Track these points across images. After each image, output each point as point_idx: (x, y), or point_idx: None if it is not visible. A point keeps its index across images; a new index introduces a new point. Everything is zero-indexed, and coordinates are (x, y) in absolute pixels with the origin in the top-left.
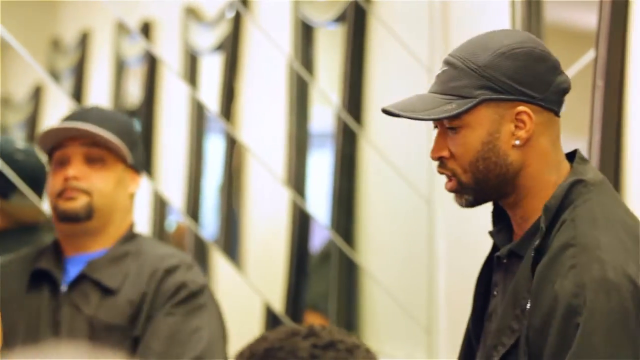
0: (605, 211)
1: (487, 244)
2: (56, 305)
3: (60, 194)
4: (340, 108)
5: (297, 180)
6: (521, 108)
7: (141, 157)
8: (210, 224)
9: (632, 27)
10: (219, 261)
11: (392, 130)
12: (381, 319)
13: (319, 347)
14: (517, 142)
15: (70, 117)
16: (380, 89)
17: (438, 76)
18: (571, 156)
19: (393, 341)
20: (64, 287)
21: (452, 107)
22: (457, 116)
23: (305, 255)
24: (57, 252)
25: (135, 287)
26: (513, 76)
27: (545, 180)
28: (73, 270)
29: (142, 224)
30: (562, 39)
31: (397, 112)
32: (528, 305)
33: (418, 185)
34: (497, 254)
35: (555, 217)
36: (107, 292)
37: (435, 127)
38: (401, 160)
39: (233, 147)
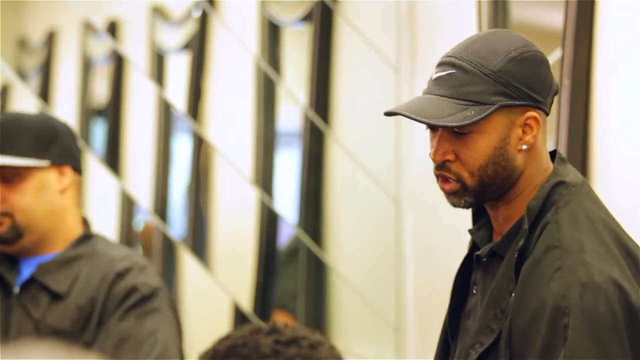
0: (587, 213)
1: (455, 243)
2: (8, 307)
3: None
4: (308, 107)
5: (264, 179)
6: (531, 113)
7: (65, 147)
8: (178, 223)
9: (598, 26)
10: (187, 260)
11: (360, 130)
12: (349, 318)
13: (282, 343)
14: (525, 147)
15: None
16: (348, 88)
17: (442, 79)
18: (551, 155)
19: (362, 340)
20: (16, 289)
21: (471, 113)
22: (461, 126)
23: (273, 254)
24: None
25: (85, 292)
26: (524, 81)
27: (536, 181)
28: (26, 273)
29: (110, 223)
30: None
31: (415, 116)
32: (509, 306)
33: (386, 185)
34: (477, 253)
35: (537, 218)
36: (55, 296)
37: (431, 128)
38: (369, 160)
39: (200, 146)
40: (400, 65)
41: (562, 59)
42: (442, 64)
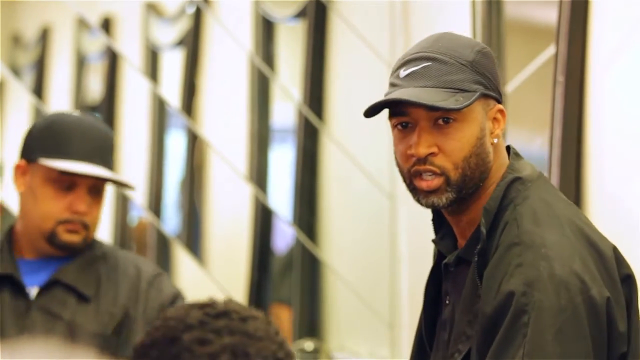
0: (546, 207)
1: None
2: (24, 310)
3: (63, 222)
4: (302, 103)
5: (259, 175)
6: (499, 106)
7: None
8: (172, 219)
9: (592, 22)
10: (181, 256)
11: (354, 126)
12: (344, 315)
13: (211, 315)
14: (495, 141)
15: (76, 148)
16: (342, 85)
17: (419, 73)
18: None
19: (356, 336)
20: (31, 291)
21: (460, 99)
22: (460, 109)
23: (268, 250)
24: (10, 253)
25: (115, 298)
26: (492, 74)
27: (495, 178)
28: (37, 274)
29: (104, 219)
30: (523, 34)
31: (418, 100)
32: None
33: (380, 181)
34: (445, 262)
35: (496, 218)
36: (82, 298)
37: (403, 124)
38: (363, 156)
39: (194, 143)
40: (393, 61)
41: (556, 56)
42: (411, 61)
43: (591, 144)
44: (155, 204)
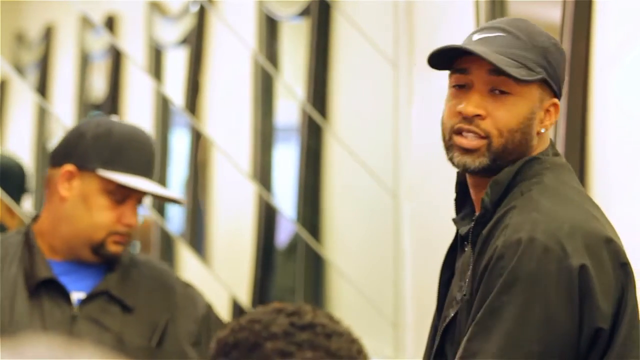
0: (556, 184)
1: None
2: (69, 318)
3: (113, 233)
4: (305, 102)
5: (262, 174)
6: (556, 100)
7: None
8: (176, 217)
9: (595, 20)
10: (185, 255)
11: (358, 124)
12: (348, 313)
13: (297, 326)
14: (543, 131)
15: (138, 166)
16: (346, 83)
17: (490, 40)
18: None
19: (359, 335)
20: (76, 298)
21: (522, 72)
22: (523, 82)
23: (272, 249)
24: (37, 254)
25: (152, 307)
26: (559, 69)
27: None
28: (76, 279)
29: None
30: None
31: (485, 56)
32: (469, 273)
33: (384, 179)
34: (460, 233)
35: (505, 192)
36: (126, 309)
37: (461, 84)
38: (367, 154)
39: (198, 141)
40: (397, 60)
41: None
42: (486, 29)
43: (594, 141)
44: (159, 203)
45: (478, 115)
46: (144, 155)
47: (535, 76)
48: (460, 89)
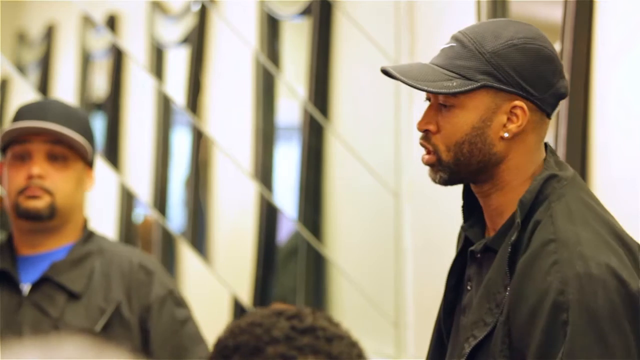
0: (580, 206)
1: (455, 237)
2: (16, 305)
3: (22, 191)
4: (307, 101)
5: (264, 173)
6: (518, 102)
7: (96, 154)
8: (177, 217)
9: (596, 19)
10: (186, 254)
11: (359, 124)
12: (349, 313)
13: (298, 330)
14: (506, 135)
15: (32, 112)
16: (347, 82)
17: (444, 50)
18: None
19: (361, 335)
20: (24, 288)
21: (453, 85)
22: (454, 95)
23: (273, 248)
24: (10, 250)
25: (106, 292)
26: (518, 69)
27: (524, 175)
28: (32, 271)
29: (109, 217)
30: None
31: (397, 75)
32: (503, 300)
33: (386, 179)
34: (472, 248)
35: (530, 212)
36: (72, 295)
37: (427, 99)
38: (368, 153)
39: (200, 140)
40: (399, 59)
41: (561, 53)
42: (451, 37)
43: (596, 141)
44: (161, 202)
45: (427, 131)
46: (45, 109)
47: (470, 86)
48: (426, 100)
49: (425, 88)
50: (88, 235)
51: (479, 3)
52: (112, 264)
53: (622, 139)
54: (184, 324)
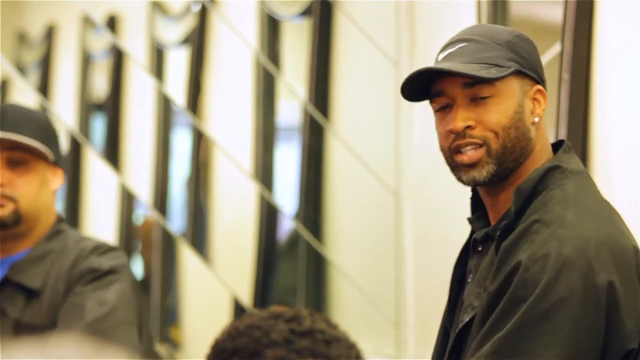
0: (579, 195)
1: (455, 237)
2: None
3: None
4: (307, 102)
5: (264, 173)
6: (539, 87)
7: (61, 151)
8: (177, 217)
9: (597, 20)
10: (186, 255)
11: (359, 124)
12: (349, 313)
13: (296, 332)
14: (536, 120)
15: None
16: (347, 83)
17: (454, 53)
18: (559, 145)
19: (361, 335)
20: None
21: (493, 72)
22: (496, 80)
23: (273, 248)
24: None
25: (57, 285)
26: (531, 57)
27: (537, 164)
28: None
29: (110, 218)
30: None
31: (449, 69)
32: (488, 282)
33: (386, 179)
34: (474, 236)
35: (528, 200)
36: (31, 293)
37: (443, 106)
38: (369, 154)
39: (200, 141)
40: (399, 59)
41: (561, 53)
42: (449, 44)
43: (596, 141)
44: (161, 203)
45: (468, 127)
46: (3, 116)
47: (507, 70)
48: (443, 110)
49: (487, 76)
50: (54, 233)
51: (479, 3)
52: (67, 259)
53: (622, 139)
54: (84, 302)
